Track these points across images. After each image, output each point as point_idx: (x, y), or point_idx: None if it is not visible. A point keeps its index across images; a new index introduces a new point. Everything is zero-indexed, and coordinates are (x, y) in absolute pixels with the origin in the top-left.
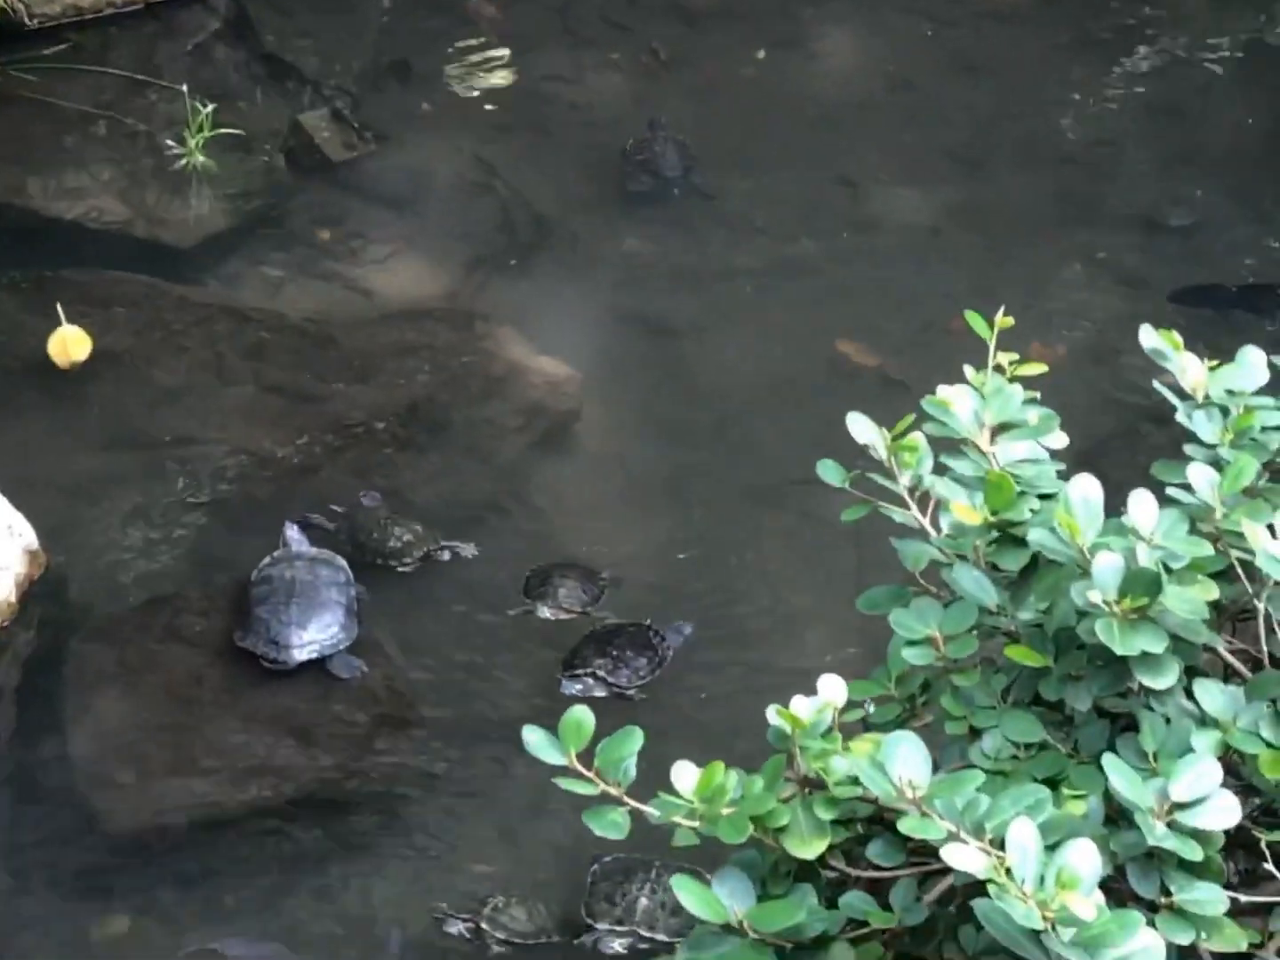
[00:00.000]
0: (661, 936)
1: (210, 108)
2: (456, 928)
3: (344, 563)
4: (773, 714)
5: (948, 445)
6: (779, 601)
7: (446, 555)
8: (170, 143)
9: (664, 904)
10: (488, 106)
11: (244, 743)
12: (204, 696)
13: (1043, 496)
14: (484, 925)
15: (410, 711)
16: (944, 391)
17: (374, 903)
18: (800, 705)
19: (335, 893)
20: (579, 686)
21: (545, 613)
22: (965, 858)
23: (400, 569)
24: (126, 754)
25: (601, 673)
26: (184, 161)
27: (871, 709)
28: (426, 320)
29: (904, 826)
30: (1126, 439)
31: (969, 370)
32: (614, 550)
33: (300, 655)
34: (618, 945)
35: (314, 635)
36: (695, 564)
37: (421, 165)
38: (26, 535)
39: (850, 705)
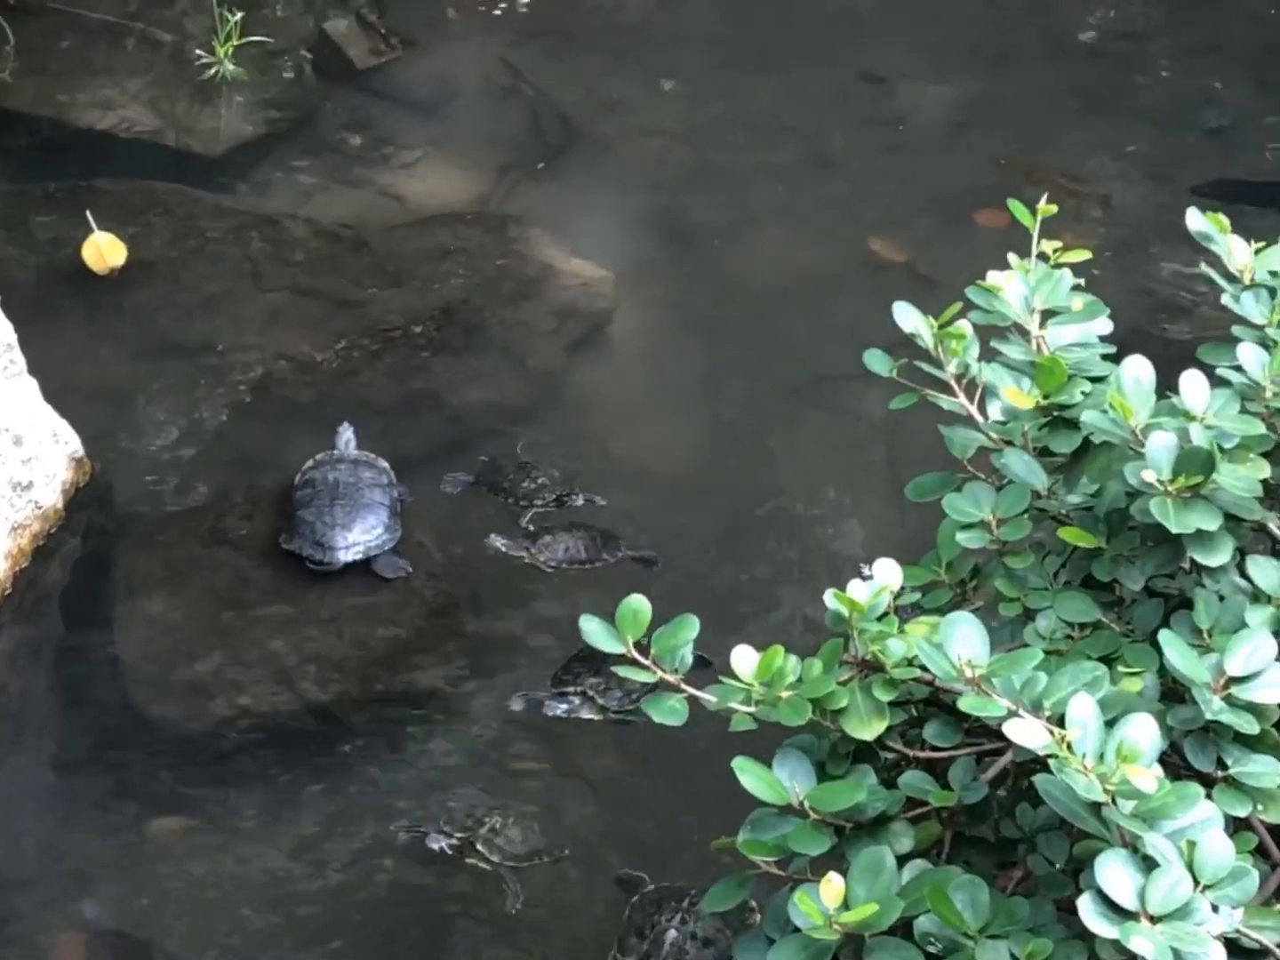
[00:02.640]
0: None
1: (238, 16)
2: (439, 844)
3: (386, 465)
4: (830, 598)
5: (991, 335)
6: (814, 495)
7: (580, 501)
8: (199, 52)
9: (694, 934)
10: (513, 10)
11: (292, 644)
12: (251, 599)
13: (1093, 379)
14: (479, 846)
15: (454, 612)
16: (994, 277)
17: (410, 808)
18: (857, 589)
19: (374, 797)
20: (564, 707)
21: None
22: (1027, 733)
23: (531, 509)
24: (175, 656)
25: (592, 693)
26: (213, 71)
27: (918, 597)
28: (459, 224)
29: (964, 705)
30: (1152, 329)
31: (1013, 258)
32: (649, 448)
33: (345, 557)
34: None
35: (358, 537)
36: (730, 460)
37: (448, 70)
38: (72, 442)
39: (902, 592)
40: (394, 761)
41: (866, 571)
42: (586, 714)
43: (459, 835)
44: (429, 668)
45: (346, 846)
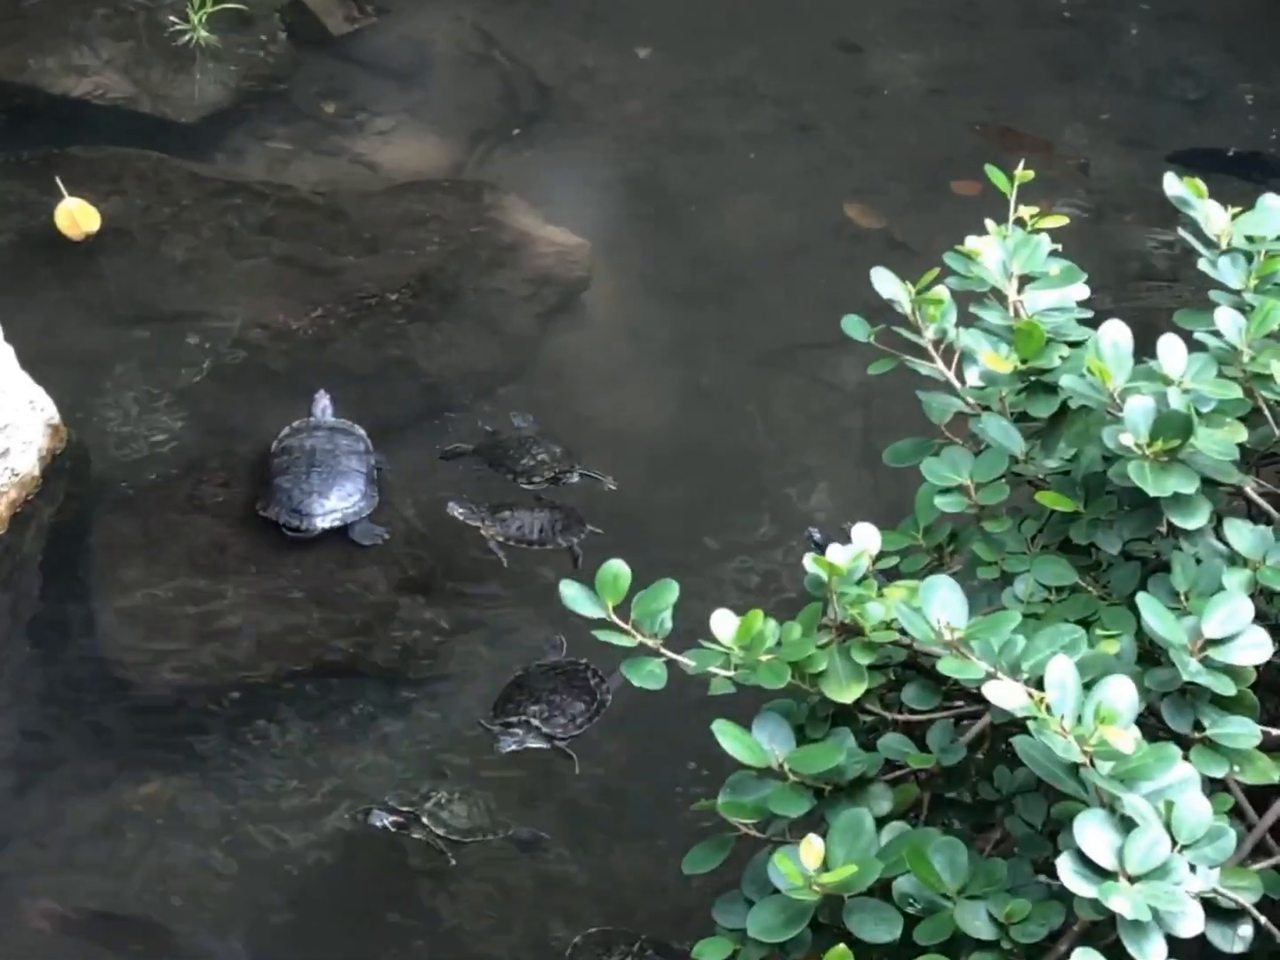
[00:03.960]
0: None
1: None
2: (381, 821)
3: (362, 432)
4: (809, 561)
5: (969, 301)
6: (790, 462)
7: (574, 478)
8: (172, 19)
9: None
10: None
11: (268, 610)
12: (228, 565)
13: (1071, 344)
14: (424, 819)
15: (432, 580)
16: (972, 242)
17: (376, 783)
18: (836, 552)
19: (345, 772)
20: (513, 742)
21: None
22: (1005, 695)
23: (527, 486)
24: (152, 622)
25: (535, 721)
26: (187, 37)
27: (896, 561)
28: (434, 191)
29: (944, 667)
30: (1129, 295)
31: (990, 224)
32: (625, 415)
33: (322, 523)
34: None
35: (336, 503)
36: (706, 427)
37: (423, 37)
38: (48, 409)
39: (880, 556)
40: (367, 734)
41: (816, 535)
42: (533, 743)
43: (404, 809)
44: (406, 636)
45: (327, 822)
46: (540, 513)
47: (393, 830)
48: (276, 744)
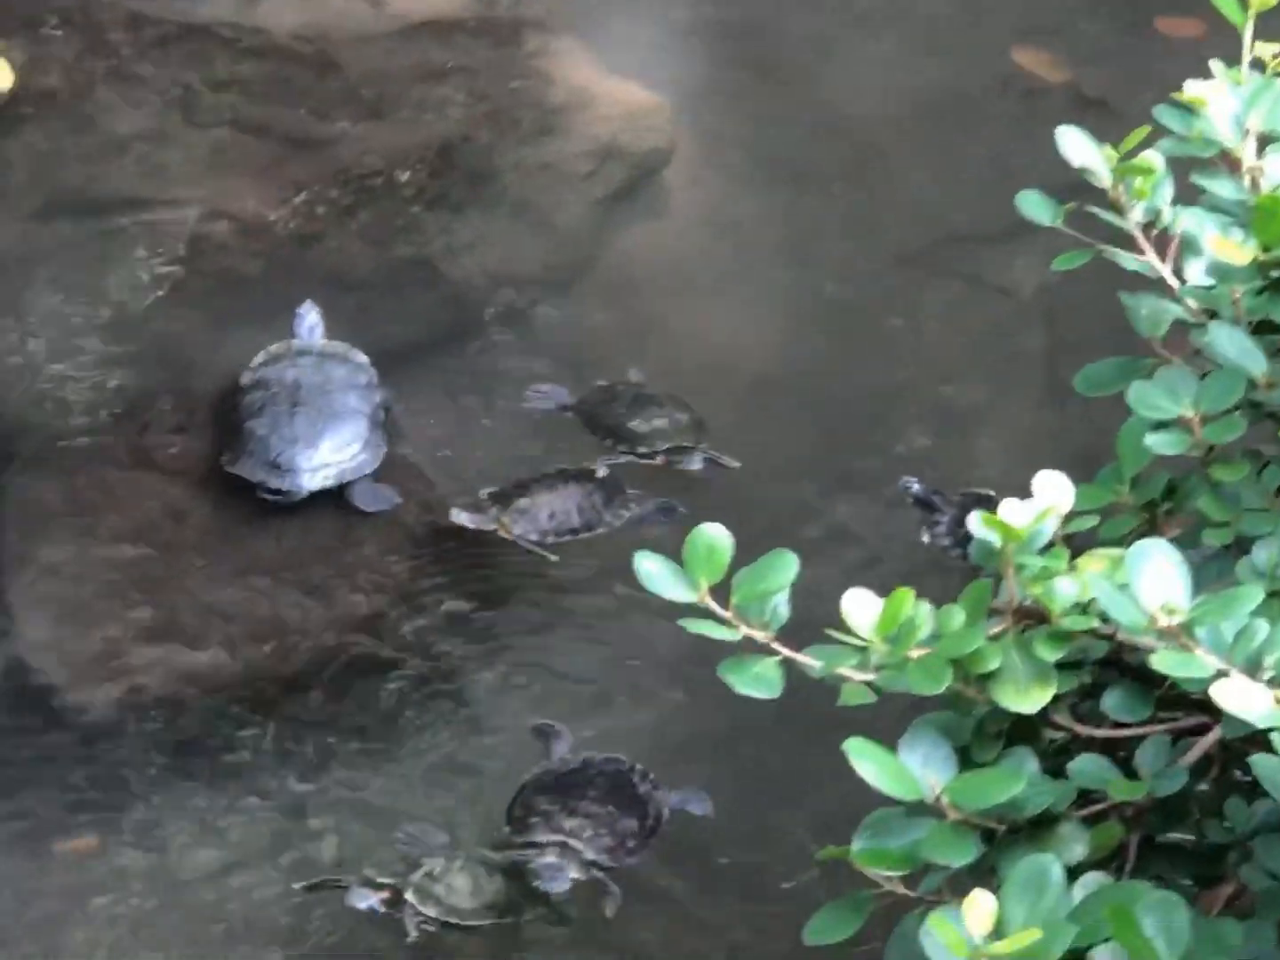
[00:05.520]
0: None
1: None
2: (367, 902)
3: (364, 359)
4: (976, 522)
5: (1189, 169)
6: (943, 396)
7: (697, 464)
8: None
9: None
10: None
11: (239, 599)
12: (185, 540)
13: None
14: (410, 896)
15: (457, 560)
16: (1193, 90)
17: (385, 812)
18: (1013, 510)
19: (341, 813)
20: (553, 879)
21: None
22: (1241, 699)
23: (629, 457)
24: (85, 618)
25: (575, 842)
26: None
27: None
28: (458, 34)
29: (1157, 663)
30: None
31: (1217, 65)
32: (719, 339)
33: (311, 483)
34: None
35: (328, 456)
36: (829, 351)
37: None
38: None
39: (1072, 517)
40: (362, 767)
41: (913, 485)
42: (573, 874)
43: (388, 883)
44: (420, 635)
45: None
46: (567, 487)
47: (382, 911)
48: (245, 780)
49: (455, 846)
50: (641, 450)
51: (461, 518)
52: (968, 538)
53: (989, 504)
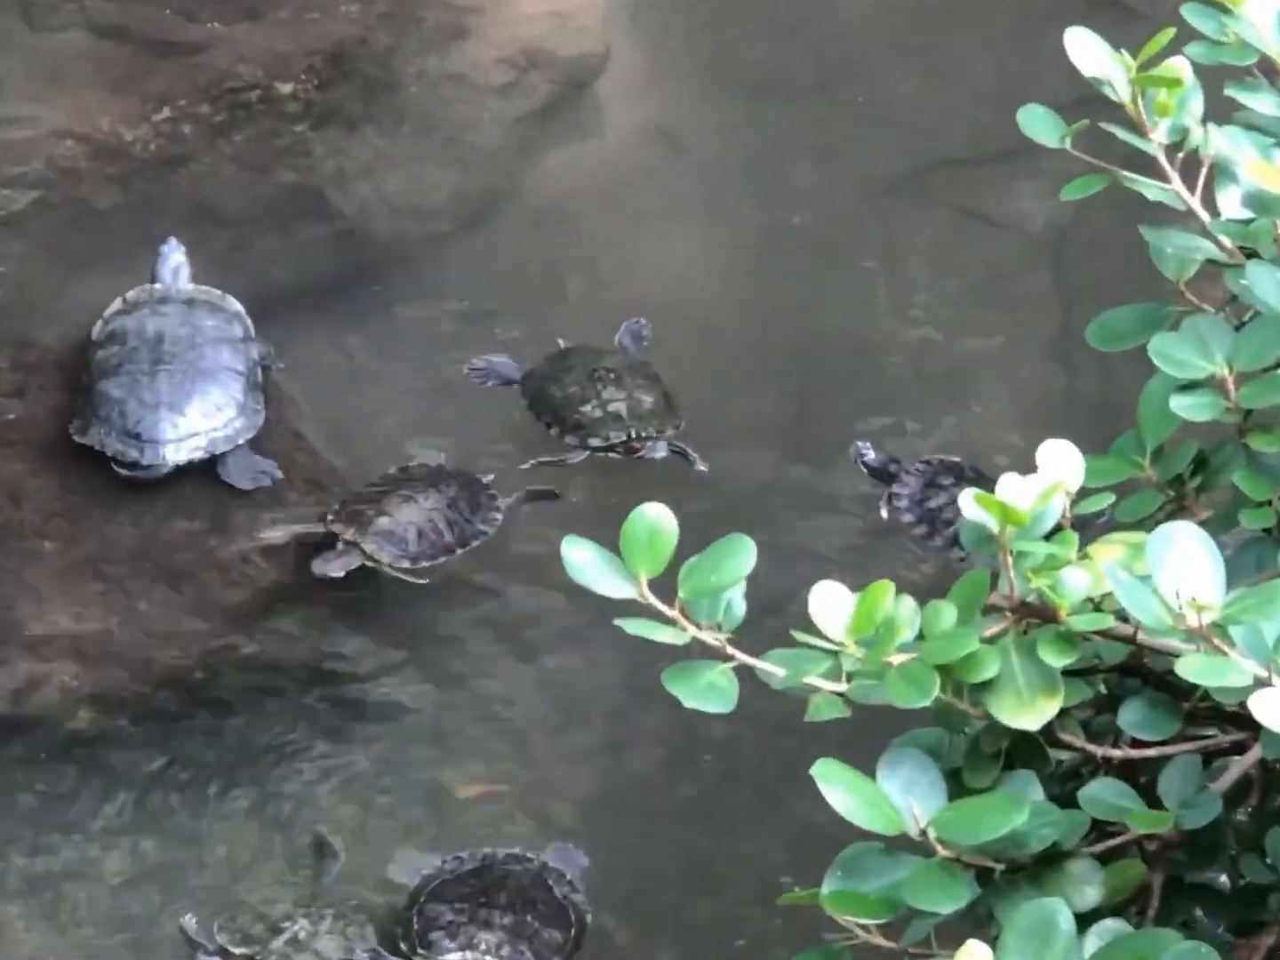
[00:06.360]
0: None
1: None
2: None
3: (238, 307)
4: (968, 500)
5: (1222, 80)
6: (933, 349)
7: (660, 453)
8: None
9: None
10: None
11: (89, 596)
12: (25, 524)
13: None
14: None
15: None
16: None
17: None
18: (1012, 487)
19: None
20: None
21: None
22: None
23: (575, 446)
24: None
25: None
26: None
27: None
28: None
29: (1185, 669)
30: None
31: None
32: (664, 280)
33: (176, 455)
34: None
35: (197, 423)
36: (798, 296)
37: None
38: None
39: (1082, 495)
40: (226, 802)
41: (867, 452)
42: None
43: (239, 953)
44: (302, 636)
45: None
46: (429, 497)
47: None
48: (88, 816)
49: (320, 898)
50: (593, 444)
51: (329, 568)
52: (932, 513)
53: (955, 472)
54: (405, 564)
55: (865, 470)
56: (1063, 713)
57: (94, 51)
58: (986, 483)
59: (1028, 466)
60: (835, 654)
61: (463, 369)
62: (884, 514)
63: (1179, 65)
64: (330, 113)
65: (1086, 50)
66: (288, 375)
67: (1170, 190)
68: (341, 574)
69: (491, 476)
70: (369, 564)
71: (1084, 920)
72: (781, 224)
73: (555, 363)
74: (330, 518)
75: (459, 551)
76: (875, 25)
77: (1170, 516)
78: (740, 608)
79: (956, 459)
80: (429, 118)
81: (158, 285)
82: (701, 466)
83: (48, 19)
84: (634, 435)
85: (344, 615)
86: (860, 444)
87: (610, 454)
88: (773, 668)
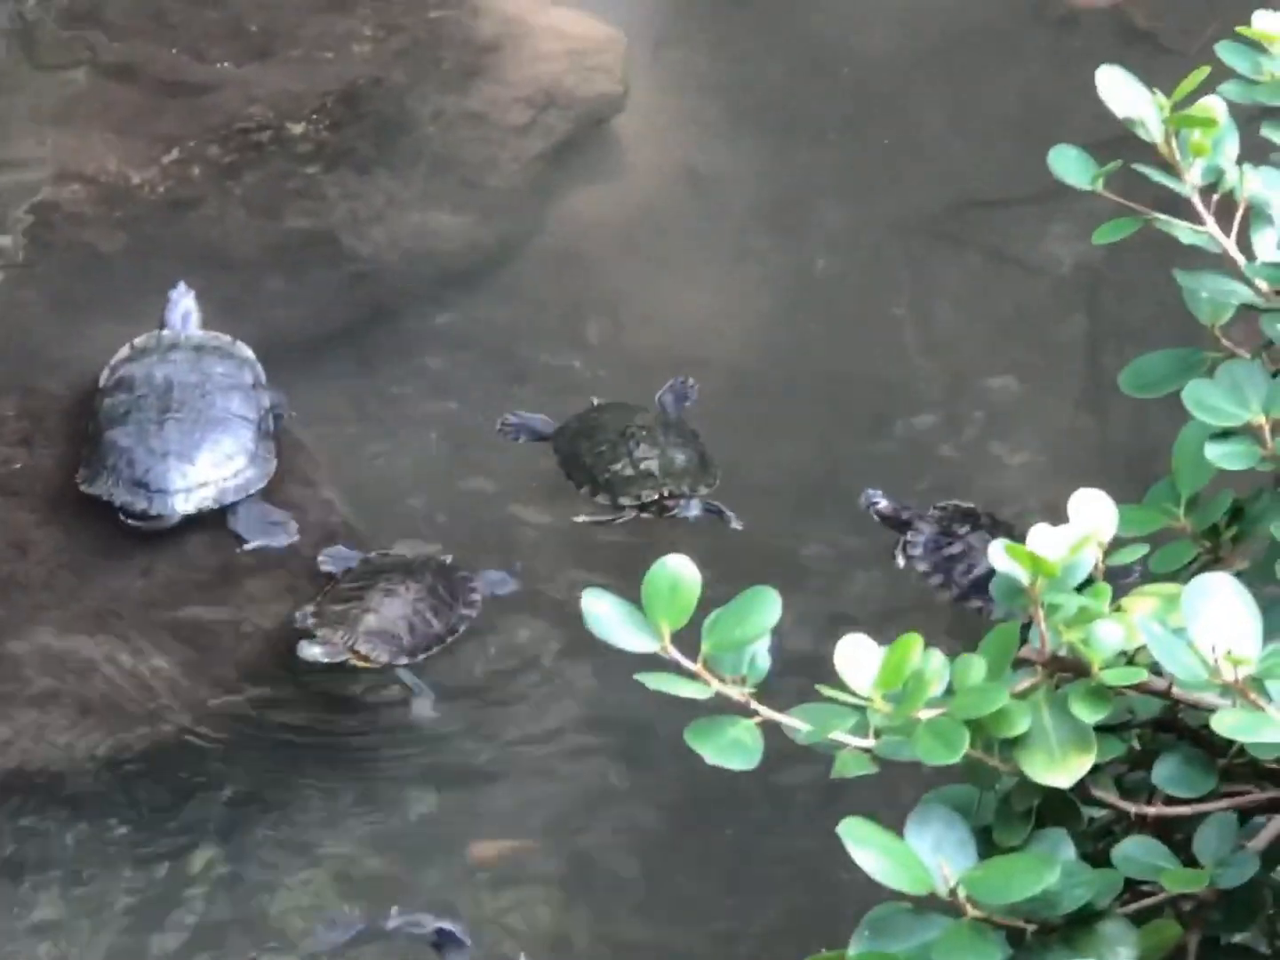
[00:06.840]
0: None
1: None
2: None
3: (249, 353)
4: (998, 552)
5: (1258, 122)
6: (963, 395)
7: (694, 512)
8: None
9: None
10: None
11: (96, 652)
12: (30, 577)
13: None
14: None
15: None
16: (1262, 22)
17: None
18: (1044, 537)
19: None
20: None
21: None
22: None
23: (611, 505)
24: None
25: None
26: None
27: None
28: None
29: (1220, 725)
30: None
31: None
32: (687, 325)
33: (185, 505)
34: None
35: (207, 473)
36: (823, 341)
37: None
38: None
39: (1117, 545)
40: (210, 879)
41: (878, 500)
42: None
43: None
44: (315, 706)
45: None
46: (409, 588)
47: None
48: (105, 880)
49: None
50: (623, 503)
51: (313, 652)
52: (947, 561)
53: (970, 518)
54: (403, 660)
55: (877, 519)
56: (1095, 769)
57: (100, 91)
58: (1003, 529)
59: (1059, 515)
60: (862, 709)
61: (494, 423)
62: (899, 562)
63: (1213, 105)
64: (343, 154)
65: (1118, 90)
66: (300, 423)
67: (1204, 233)
68: (326, 661)
69: (451, 558)
70: (360, 664)
71: None
72: (807, 266)
73: (587, 419)
74: (312, 621)
75: (449, 640)
76: (902, 62)
77: (1205, 568)
78: (765, 661)
79: (971, 505)
80: (445, 158)
81: (166, 331)
82: (737, 525)
83: (53, 57)
84: (666, 494)
85: (359, 677)
86: (870, 491)
87: (643, 514)
88: (797, 723)
